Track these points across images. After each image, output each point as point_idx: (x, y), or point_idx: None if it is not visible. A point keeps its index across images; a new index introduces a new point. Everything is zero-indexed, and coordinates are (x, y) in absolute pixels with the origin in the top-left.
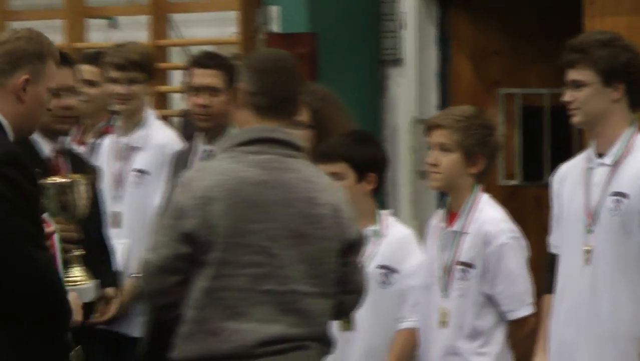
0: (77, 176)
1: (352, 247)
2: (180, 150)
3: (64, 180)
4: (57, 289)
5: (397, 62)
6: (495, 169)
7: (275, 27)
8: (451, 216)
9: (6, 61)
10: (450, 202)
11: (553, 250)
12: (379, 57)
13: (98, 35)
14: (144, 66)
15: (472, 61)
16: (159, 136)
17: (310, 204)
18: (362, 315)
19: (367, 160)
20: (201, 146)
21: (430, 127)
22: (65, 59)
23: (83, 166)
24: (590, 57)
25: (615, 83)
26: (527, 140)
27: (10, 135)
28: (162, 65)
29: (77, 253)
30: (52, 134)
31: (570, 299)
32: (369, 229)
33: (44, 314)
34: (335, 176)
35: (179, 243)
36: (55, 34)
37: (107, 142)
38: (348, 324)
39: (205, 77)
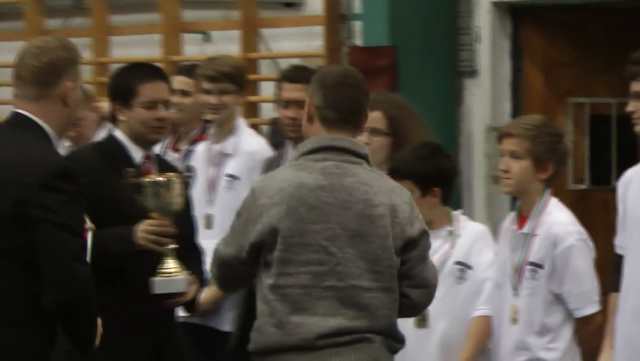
0: (172, 175)
1: (412, 244)
2: (271, 156)
3: (160, 178)
4: (90, 308)
5: (472, 73)
6: (565, 174)
7: (358, 40)
8: (522, 219)
9: (51, 70)
10: (521, 205)
11: (619, 251)
12: (456, 68)
13: (193, 48)
14: (235, 78)
15: (543, 72)
16: (249, 144)
17: (367, 205)
18: (437, 310)
19: (431, 176)
20: (291, 153)
21: (501, 135)
22: (160, 74)
23: (171, 171)
24: None
25: None
26: (595, 146)
27: (56, 143)
28: (252, 76)
29: (171, 246)
30: (144, 143)
31: (635, 297)
32: (445, 229)
33: (71, 327)
34: None
35: (243, 249)
36: (153, 47)
37: (201, 149)
38: (423, 321)
39: (294, 91)
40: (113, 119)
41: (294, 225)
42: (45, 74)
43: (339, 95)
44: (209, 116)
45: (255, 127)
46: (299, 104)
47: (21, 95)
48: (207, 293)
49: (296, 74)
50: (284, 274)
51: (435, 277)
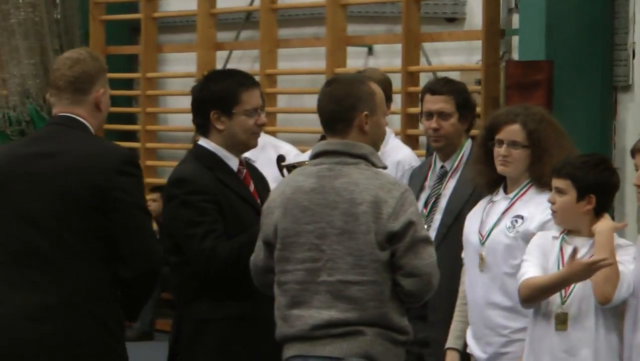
0: None
1: (397, 237)
2: (419, 165)
3: None
4: (155, 283)
5: (627, 88)
6: None
7: (516, 55)
8: None
9: (87, 79)
10: None
11: None
12: (611, 83)
13: (357, 61)
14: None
15: None
16: (397, 153)
17: (352, 204)
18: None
19: (590, 183)
20: (438, 163)
21: (634, 151)
22: (255, 80)
23: (258, 175)
24: None
25: None
26: None
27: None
28: (413, 89)
29: None
30: (240, 150)
31: None
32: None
33: (137, 298)
34: (559, 190)
35: (262, 248)
36: (318, 60)
37: None
38: (563, 325)
39: (435, 102)
40: (202, 128)
41: (290, 226)
42: (79, 83)
43: (320, 106)
44: None
45: (414, 138)
46: (439, 115)
47: (59, 102)
48: None
49: (437, 86)
50: (284, 271)
51: (430, 266)
